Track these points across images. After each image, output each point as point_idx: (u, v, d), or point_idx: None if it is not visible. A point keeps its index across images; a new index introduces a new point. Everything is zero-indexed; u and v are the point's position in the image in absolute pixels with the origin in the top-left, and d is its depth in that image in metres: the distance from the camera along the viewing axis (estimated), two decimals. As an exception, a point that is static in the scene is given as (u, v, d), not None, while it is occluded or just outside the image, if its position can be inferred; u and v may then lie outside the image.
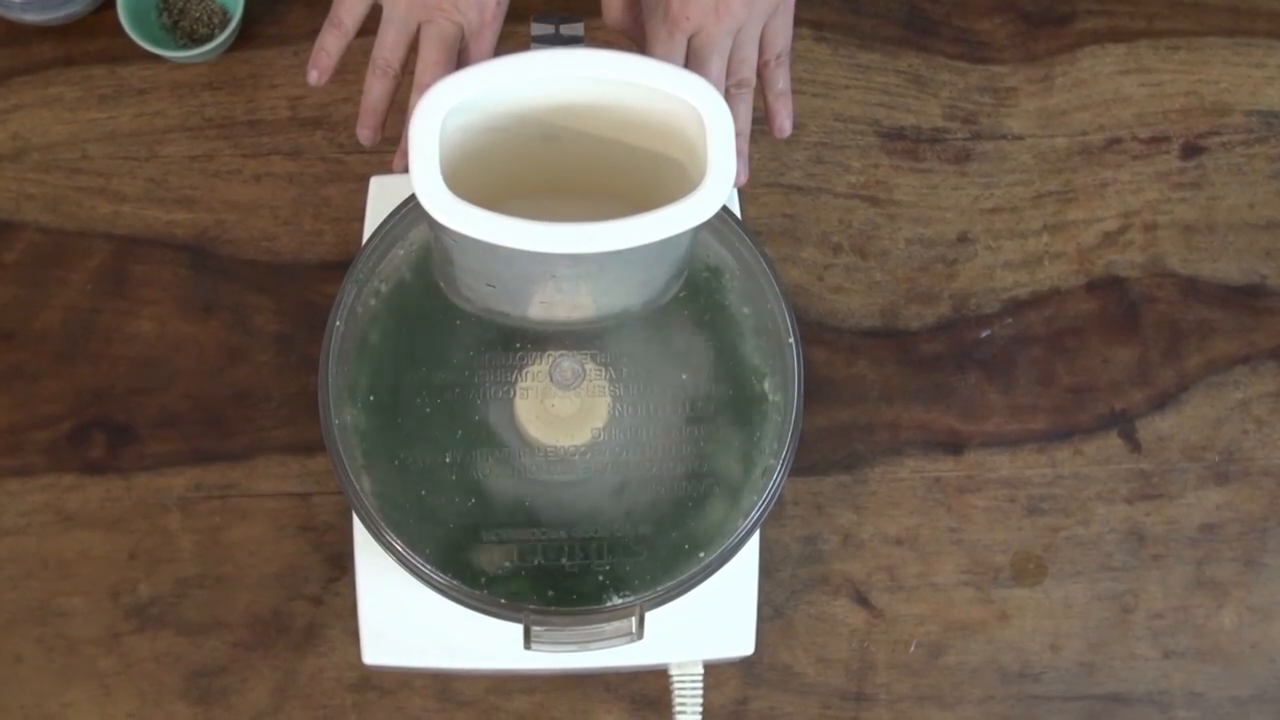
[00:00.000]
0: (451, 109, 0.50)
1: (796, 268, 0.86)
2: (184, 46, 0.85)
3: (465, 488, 0.65)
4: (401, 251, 0.67)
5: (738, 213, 0.71)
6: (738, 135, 0.61)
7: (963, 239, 0.87)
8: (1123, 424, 0.85)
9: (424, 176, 0.50)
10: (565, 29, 0.65)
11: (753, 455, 0.66)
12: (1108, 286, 0.87)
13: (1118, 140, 0.88)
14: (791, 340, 0.65)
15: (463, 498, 0.65)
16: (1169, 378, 0.86)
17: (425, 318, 0.66)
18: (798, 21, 0.68)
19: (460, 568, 0.64)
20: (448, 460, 0.65)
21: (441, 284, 0.63)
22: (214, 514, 0.81)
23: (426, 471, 0.65)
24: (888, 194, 0.87)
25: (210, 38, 0.85)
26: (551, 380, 0.65)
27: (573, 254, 0.50)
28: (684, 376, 0.67)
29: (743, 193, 0.80)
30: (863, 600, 0.83)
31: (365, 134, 0.67)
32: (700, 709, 0.74)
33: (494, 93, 0.52)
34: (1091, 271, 0.87)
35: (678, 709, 0.74)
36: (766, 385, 0.67)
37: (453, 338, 0.66)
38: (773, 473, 0.65)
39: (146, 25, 0.84)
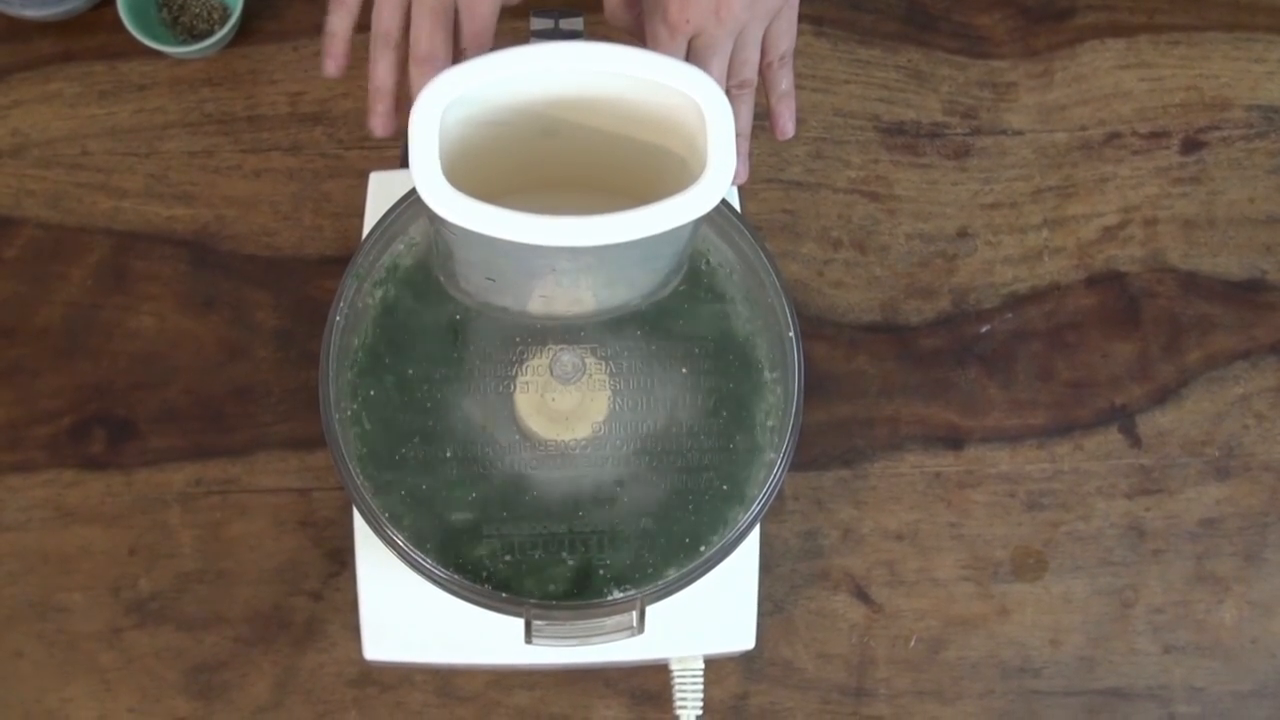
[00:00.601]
0: (451, 102, 0.50)
1: (796, 263, 0.86)
2: (183, 42, 0.85)
3: (466, 482, 0.65)
4: (402, 246, 0.67)
5: (737, 208, 0.71)
6: (739, 136, 0.61)
7: (962, 234, 0.87)
8: (1123, 419, 0.85)
9: (424, 169, 0.50)
10: (565, 23, 0.65)
11: (753, 449, 0.66)
12: (1108, 282, 0.87)
13: (1118, 135, 0.88)
14: (792, 334, 0.65)
15: (463, 492, 0.65)
16: (1169, 373, 0.86)
17: (425, 312, 0.66)
18: (798, 17, 0.68)
19: (461, 562, 0.64)
20: (448, 455, 0.65)
21: (441, 278, 0.63)
22: (214, 509, 0.81)
23: (427, 466, 0.65)
24: (887, 189, 0.87)
25: (210, 33, 0.85)
26: (552, 374, 0.65)
27: (573, 247, 0.50)
28: (684, 371, 0.67)
29: (743, 188, 0.80)
30: (863, 595, 0.83)
31: (378, 121, 0.63)
32: (700, 704, 0.74)
33: (494, 85, 0.52)
34: (1091, 266, 0.87)
35: (678, 704, 0.74)
36: (767, 379, 0.67)
37: (453, 332, 0.67)
38: (773, 467, 0.65)
39: (146, 21, 0.84)
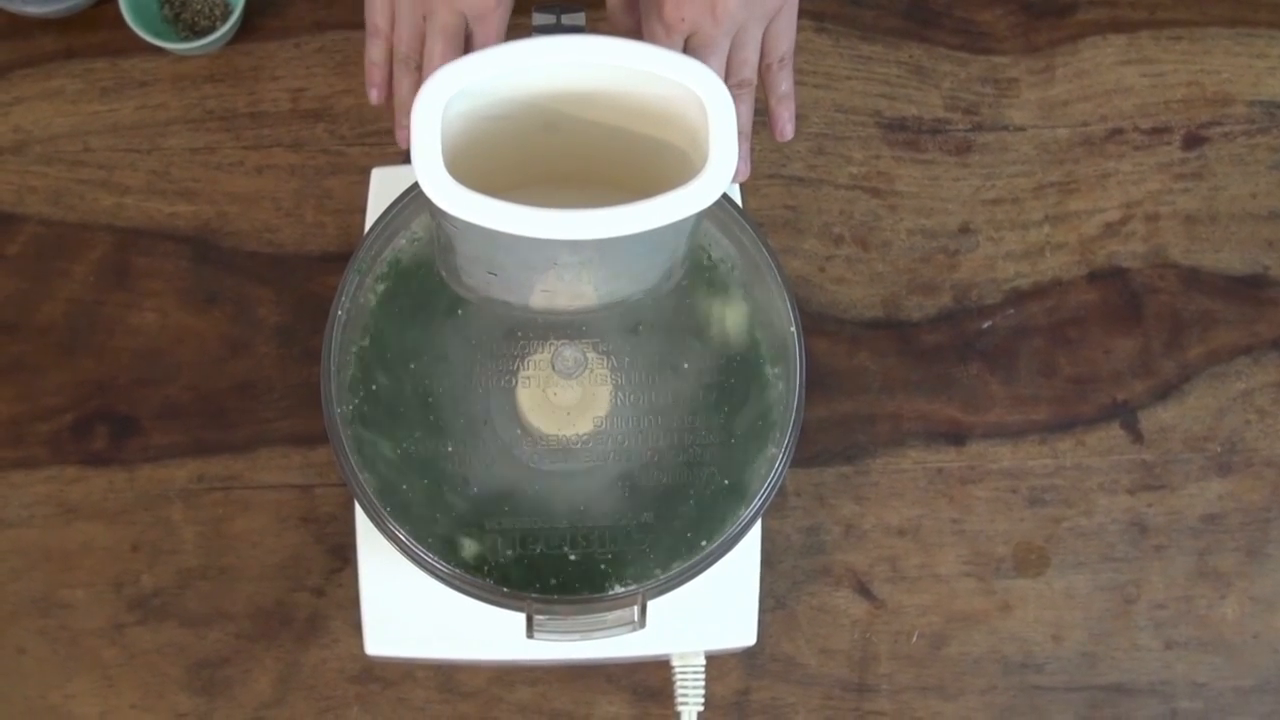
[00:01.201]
0: (454, 95, 0.50)
1: (798, 259, 0.86)
2: (185, 39, 0.85)
3: (467, 477, 0.65)
4: (404, 241, 0.67)
5: (739, 204, 0.71)
6: (739, 135, 0.61)
7: (964, 230, 0.87)
8: (1125, 415, 0.85)
9: (426, 162, 0.50)
10: (567, 19, 0.65)
11: (755, 444, 0.66)
12: (1109, 277, 0.87)
13: (1119, 131, 0.88)
14: (794, 329, 0.65)
15: (465, 487, 0.65)
16: (1171, 368, 0.86)
17: (427, 307, 0.67)
18: (799, 13, 0.68)
19: (463, 557, 0.64)
20: (450, 449, 0.65)
21: (443, 273, 0.63)
22: (216, 506, 0.81)
23: (429, 461, 0.65)
24: (889, 185, 0.87)
25: (212, 30, 0.85)
26: (553, 369, 0.65)
27: (575, 240, 0.50)
28: (686, 365, 0.67)
29: (744, 185, 0.80)
30: (865, 591, 0.83)
31: (403, 134, 0.66)
32: (702, 700, 0.74)
33: (496, 78, 0.52)
34: (1093, 262, 0.87)
35: (679, 700, 0.74)
36: (769, 374, 0.67)
37: (454, 327, 0.67)
38: (775, 461, 0.65)
39: (148, 18, 0.85)
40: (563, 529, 0.65)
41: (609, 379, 0.67)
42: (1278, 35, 0.90)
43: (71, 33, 0.86)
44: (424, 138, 0.50)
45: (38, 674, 0.80)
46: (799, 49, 0.67)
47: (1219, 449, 0.85)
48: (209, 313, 0.83)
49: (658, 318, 0.67)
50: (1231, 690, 0.83)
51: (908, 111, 0.88)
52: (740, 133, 0.63)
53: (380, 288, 0.66)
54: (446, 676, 0.80)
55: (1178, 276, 0.87)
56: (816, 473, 0.84)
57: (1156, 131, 0.88)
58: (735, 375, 0.67)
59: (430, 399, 0.66)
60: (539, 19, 0.63)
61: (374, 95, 0.68)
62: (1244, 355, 0.86)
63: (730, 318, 0.68)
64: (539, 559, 0.65)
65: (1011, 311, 0.86)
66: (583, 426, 0.66)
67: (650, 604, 0.63)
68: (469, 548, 0.65)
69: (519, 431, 0.66)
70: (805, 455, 0.83)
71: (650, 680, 0.81)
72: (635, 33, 0.68)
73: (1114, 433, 0.85)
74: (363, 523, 0.70)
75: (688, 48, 0.64)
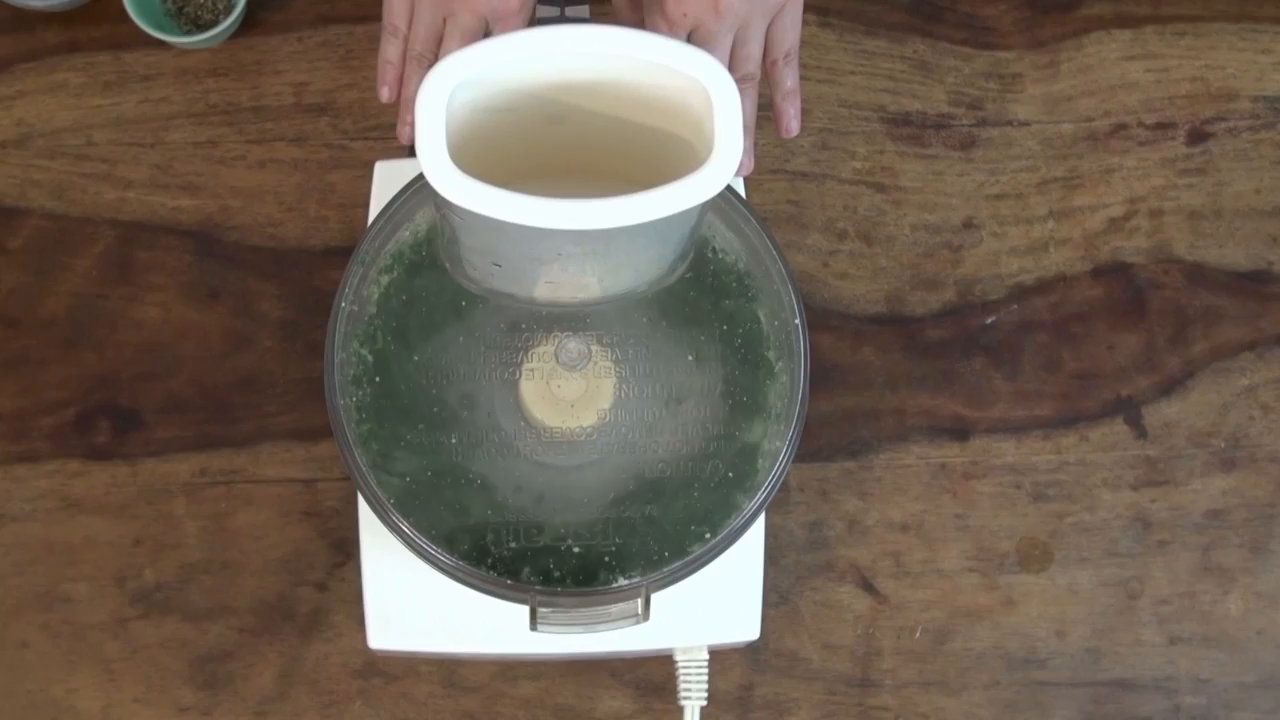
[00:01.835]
0: (458, 84, 0.50)
1: (802, 254, 0.86)
2: (188, 32, 0.85)
3: (471, 469, 0.65)
4: (407, 233, 0.67)
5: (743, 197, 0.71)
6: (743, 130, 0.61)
7: (968, 225, 0.87)
8: (1128, 410, 0.85)
9: (430, 152, 0.50)
10: (571, 11, 0.65)
11: (758, 438, 0.66)
12: (1113, 273, 0.87)
13: (1124, 126, 0.88)
14: (798, 322, 0.65)
15: (468, 479, 0.65)
16: (1175, 364, 0.86)
17: (430, 300, 0.66)
18: (803, 8, 0.68)
19: (466, 549, 0.64)
20: (453, 442, 0.65)
21: (447, 265, 0.63)
22: (219, 500, 0.81)
23: (432, 453, 0.65)
24: (893, 180, 0.87)
25: (215, 24, 0.85)
26: (557, 361, 0.65)
27: (580, 230, 0.50)
28: (690, 358, 0.67)
29: (748, 179, 0.80)
30: (868, 586, 0.83)
31: (405, 130, 0.66)
32: (705, 694, 0.74)
33: (500, 69, 0.51)
34: (1097, 258, 0.87)
35: (683, 694, 0.74)
36: (772, 369, 0.67)
37: (458, 319, 0.66)
38: (778, 454, 0.65)
39: (151, 11, 0.84)
40: (566, 521, 0.65)
41: (613, 372, 0.67)
42: (1282, 30, 0.90)
43: (75, 26, 0.86)
44: (429, 127, 0.50)
45: (40, 668, 0.80)
46: (803, 44, 0.67)
47: (1223, 445, 0.85)
48: (212, 307, 0.83)
49: (662, 310, 0.67)
50: (1235, 686, 0.83)
51: (912, 106, 0.88)
52: (744, 127, 0.63)
53: (383, 280, 0.66)
54: (449, 671, 0.80)
55: (1182, 272, 0.87)
56: (820, 468, 0.84)
57: (1161, 127, 0.88)
58: (739, 369, 0.67)
59: (433, 391, 0.66)
60: (543, 11, 0.63)
61: (384, 94, 0.67)
62: (1248, 351, 0.86)
63: (734, 311, 0.67)
64: (542, 551, 0.65)
65: (1015, 307, 0.86)
66: (586, 419, 0.66)
67: (653, 598, 0.63)
68: (472, 540, 0.64)
69: (522, 424, 0.66)
70: (809, 450, 0.83)
71: (653, 675, 0.81)
72: (638, 28, 0.68)
73: (1118, 428, 0.85)
74: (366, 516, 0.70)
75: (690, 42, 0.64)
